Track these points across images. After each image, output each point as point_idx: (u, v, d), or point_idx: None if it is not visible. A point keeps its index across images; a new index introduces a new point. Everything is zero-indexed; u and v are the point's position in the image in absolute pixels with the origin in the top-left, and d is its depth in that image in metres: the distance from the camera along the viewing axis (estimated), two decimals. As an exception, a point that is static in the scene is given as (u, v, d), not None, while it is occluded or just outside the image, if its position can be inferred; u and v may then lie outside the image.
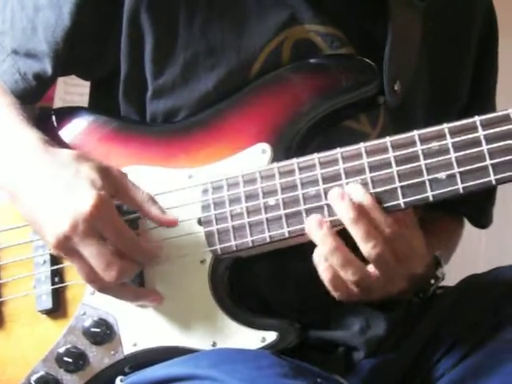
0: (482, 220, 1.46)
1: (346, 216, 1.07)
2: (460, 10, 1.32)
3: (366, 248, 1.06)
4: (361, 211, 1.07)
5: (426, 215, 1.29)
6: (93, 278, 1.12)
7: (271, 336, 1.14)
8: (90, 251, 1.10)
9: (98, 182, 1.11)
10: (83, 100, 1.42)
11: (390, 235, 1.07)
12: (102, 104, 1.32)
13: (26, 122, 1.24)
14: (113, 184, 1.13)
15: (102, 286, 1.14)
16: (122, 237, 1.11)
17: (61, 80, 1.89)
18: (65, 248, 1.11)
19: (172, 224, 1.15)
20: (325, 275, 1.09)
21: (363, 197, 1.08)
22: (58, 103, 1.90)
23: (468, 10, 1.33)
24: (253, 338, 1.15)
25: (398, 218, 1.08)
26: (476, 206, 1.41)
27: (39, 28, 1.23)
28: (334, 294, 1.10)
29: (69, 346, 1.21)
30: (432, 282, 1.20)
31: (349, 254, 1.08)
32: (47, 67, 1.25)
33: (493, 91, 1.41)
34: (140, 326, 1.19)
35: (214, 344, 1.16)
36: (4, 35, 1.27)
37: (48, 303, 1.23)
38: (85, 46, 1.24)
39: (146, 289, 1.19)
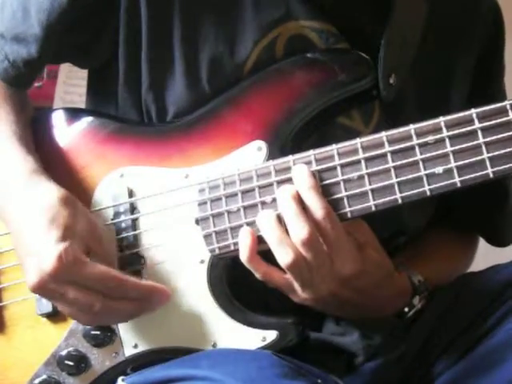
0: (498, 237, 1.39)
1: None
2: (464, 11, 1.28)
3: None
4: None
5: (430, 237, 1.30)
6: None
7: (271, 335, 1.13)
8: (67, 299, 1.09)
9: (70, 232, 1.08)
10: (83, 100, 1.42)
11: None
12: (99, 94, 1.31)
13: (18, 142, 1.20)
14: (88, 241, 1.10)
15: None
16: (99, 283, 1.09)
17: (61, 80, 1.89)
18: (44, 291, 1.11)
19: None
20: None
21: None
22: (57, 103, 1.90)
23: (472, 12, 1.29)
24: (253, 338, 1.14)
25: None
26: (489, 222, 1.38)
27: (31, 11, 1.20)
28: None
29: (70, 348, 1.20)
30: (406, 310, 1.18)
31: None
32: (35, 52, 1.22)
33: (499, 93, 1.36)
34: (140, 328, 1.18)
35: (215, 344, 1.15)
36: None
37: (48, 307, 1.22)
38: (80, 31, 1.22)
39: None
